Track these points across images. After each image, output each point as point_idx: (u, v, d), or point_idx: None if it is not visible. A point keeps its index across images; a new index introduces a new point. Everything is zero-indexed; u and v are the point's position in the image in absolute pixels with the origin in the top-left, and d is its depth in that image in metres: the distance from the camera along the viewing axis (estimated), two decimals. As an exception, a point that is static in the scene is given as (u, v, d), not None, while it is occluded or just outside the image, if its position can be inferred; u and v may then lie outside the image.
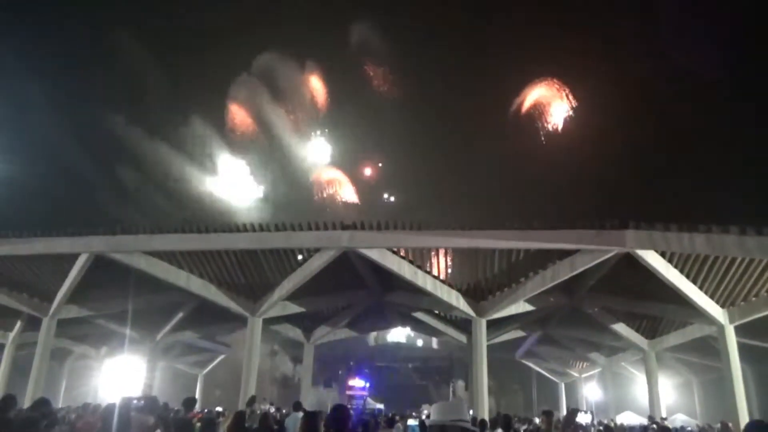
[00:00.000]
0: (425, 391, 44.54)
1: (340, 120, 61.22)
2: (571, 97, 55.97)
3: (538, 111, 58.42)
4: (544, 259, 18.64)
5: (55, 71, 45.02)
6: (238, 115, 59.31)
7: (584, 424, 12.44)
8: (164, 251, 19.78)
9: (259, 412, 14.06)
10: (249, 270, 20.50)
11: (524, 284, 19.57)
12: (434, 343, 42.63)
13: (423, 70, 57.19)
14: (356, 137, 60.16)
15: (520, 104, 59.19)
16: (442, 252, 19.75)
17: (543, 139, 57.22)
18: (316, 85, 62.66)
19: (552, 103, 57.86)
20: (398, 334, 39.29)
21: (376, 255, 18.65)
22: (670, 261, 17.14)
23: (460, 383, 43.45)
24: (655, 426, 18.41)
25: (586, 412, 14.11)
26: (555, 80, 57.05)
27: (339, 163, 62.01)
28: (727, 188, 36.55)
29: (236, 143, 59.11)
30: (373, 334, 41.07)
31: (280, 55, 58.57)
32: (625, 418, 27.67)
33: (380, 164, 63.78)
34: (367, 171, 64.30)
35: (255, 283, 21.10)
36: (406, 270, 19.16)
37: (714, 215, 17.34)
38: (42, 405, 4.78)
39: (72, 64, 47.06)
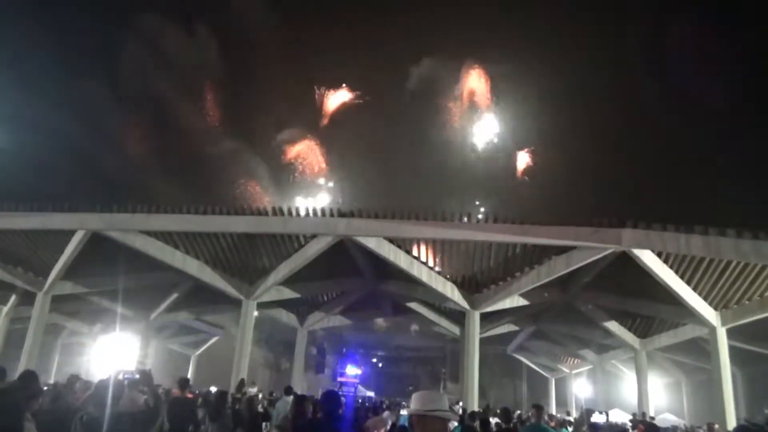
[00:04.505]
0: (416, 380, 44.79)
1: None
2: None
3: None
4: (540, 254, 18.68)
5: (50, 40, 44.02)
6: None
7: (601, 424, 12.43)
8: (161, 231, 19.76)
9: (247, 395, 14.11)
10: (245, 253, 20.51)
11: (519, 279, 19.63)
12: (428, 333, 42.86)
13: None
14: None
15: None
16: (438, 243, 19.74)
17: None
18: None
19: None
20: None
21: (372, 243, 18.65)
22: (665, 261, 17.18)
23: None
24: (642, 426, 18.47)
25: (601, 413, 13.95)
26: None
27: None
28: (725, 191, 36.55)
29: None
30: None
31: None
32: (614, 416, 27.86)
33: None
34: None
35: (250, 266, 21.13)
36: (401, 260, 19.19)
37: (711, 218, 17.35)
38: (27, 378, 4.78)
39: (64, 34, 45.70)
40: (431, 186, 45.86)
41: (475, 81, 53.43)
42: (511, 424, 9.26)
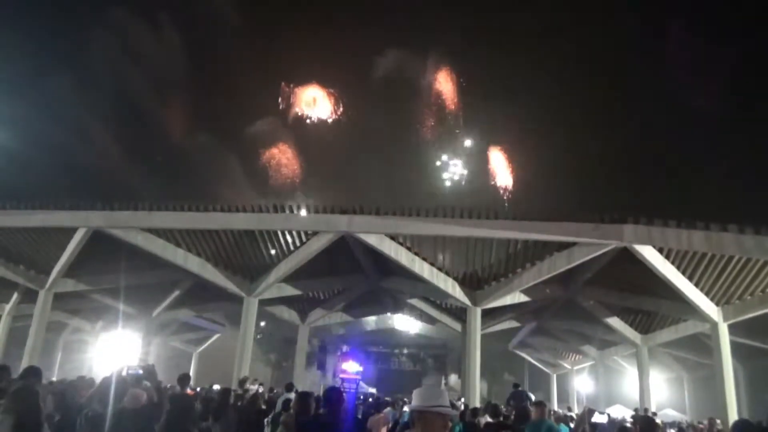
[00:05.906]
0: (418, 377, 44.76)
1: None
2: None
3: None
4: (541, 250, 18.66)
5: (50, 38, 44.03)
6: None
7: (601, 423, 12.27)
8: (162, 228, 19.76)
9: (250, 392, 14.13)
10: (246, 250, 20.51)
11: (521, 275, 19.62)
12: (430, 329, 42.87)
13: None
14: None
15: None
16: (440, 240, 19.74)
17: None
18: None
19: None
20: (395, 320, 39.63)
21: (374, 240, 18.65)
22: (667, 257, 17.15)
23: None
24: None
25: (602, 413, 13.80)
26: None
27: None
28: (727, 186, 36.50)
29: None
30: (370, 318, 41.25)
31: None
32: (615, 412, 27.88)
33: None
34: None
35: (252, 263, 21.14)
36: (403, 256, 19.18)
37: (713, 213, 17.34)
38: (31, 374, 4.81)
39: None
40: (412, 183, 45.91)
41: (443, 82, 53.17)
42: (501, 418, 9.30)
